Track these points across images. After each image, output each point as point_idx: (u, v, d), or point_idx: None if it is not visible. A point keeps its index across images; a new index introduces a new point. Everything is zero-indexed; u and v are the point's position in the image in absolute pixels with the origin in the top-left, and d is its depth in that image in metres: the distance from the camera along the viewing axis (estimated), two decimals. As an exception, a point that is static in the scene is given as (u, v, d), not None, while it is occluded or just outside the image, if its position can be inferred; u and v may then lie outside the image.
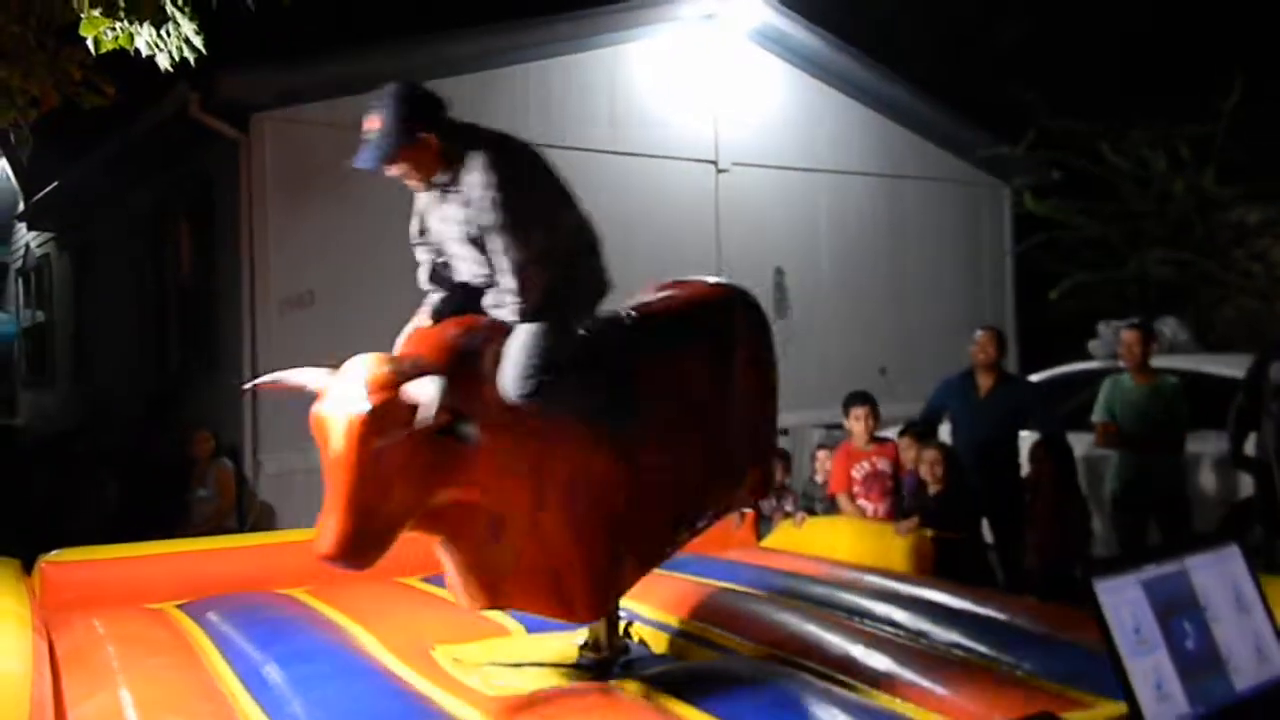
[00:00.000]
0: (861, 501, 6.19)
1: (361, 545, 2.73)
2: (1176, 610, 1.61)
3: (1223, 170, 11.36)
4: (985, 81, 13.15)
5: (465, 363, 2.98)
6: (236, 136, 7.89)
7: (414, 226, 3.39)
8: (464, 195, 3.09)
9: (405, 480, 2.77)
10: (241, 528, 7.22)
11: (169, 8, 3.84)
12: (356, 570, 2.85)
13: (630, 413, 3.24)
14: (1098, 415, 6.21)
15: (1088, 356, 8.72)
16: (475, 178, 3.07)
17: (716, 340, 3.65)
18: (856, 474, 6.16)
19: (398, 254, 8.13)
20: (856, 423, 6.23)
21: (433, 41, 8.44)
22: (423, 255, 3.38)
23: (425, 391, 2.69)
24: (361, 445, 2.71)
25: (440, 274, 3.34)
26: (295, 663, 3.43)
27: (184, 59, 4.12)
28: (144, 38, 3.91)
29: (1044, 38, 14.22)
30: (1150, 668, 1.54)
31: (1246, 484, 5.85)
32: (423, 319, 3.24)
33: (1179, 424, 5.91)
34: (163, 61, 4.05)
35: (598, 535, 3.19)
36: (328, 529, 2.72)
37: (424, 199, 3.31)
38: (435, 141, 3.11)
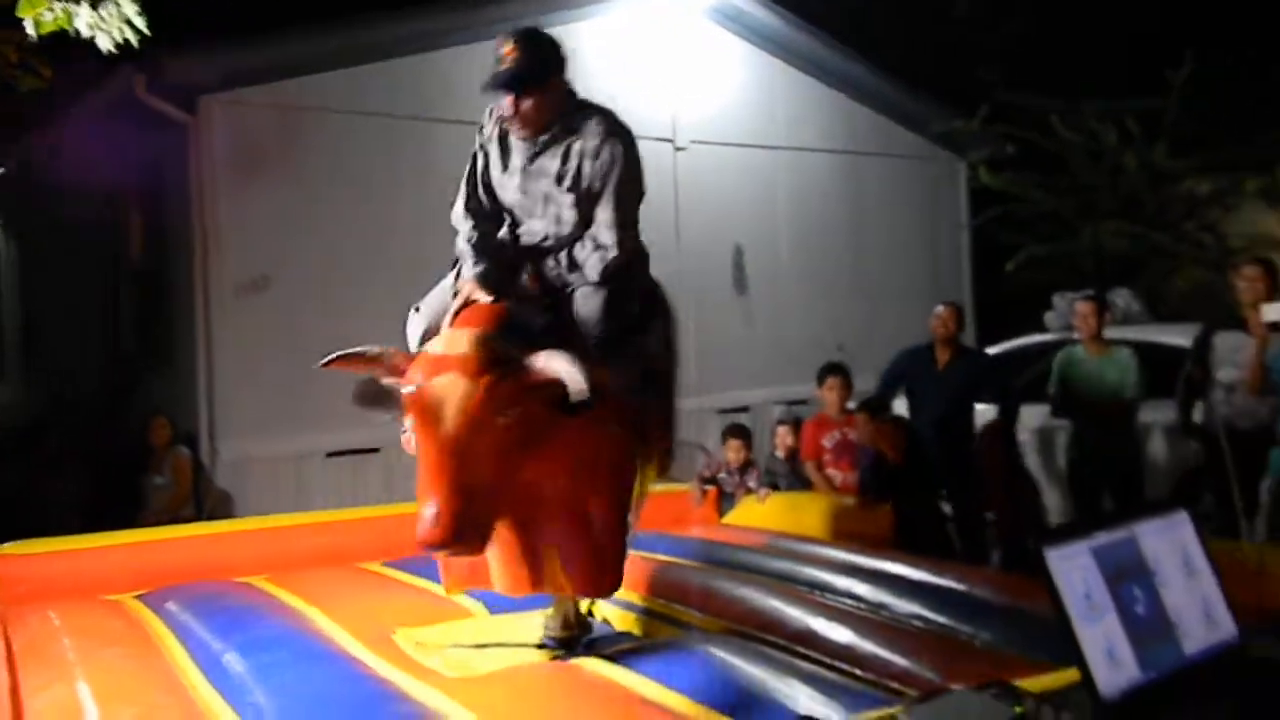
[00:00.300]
0: (830, 470, 6.28)
1: (470, 527, 2.61)
2: (1126, 576, 1.62)
3: (1173, 143, 11.50)
4: (941, 57, 13.23)
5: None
6: (185, 119, 7.74)
7: (467, 187, 3.35)
8: (580, 148, 3.12)
9: (506, 458, 2.71)
10: (199, 515, 7.15)
11: (110, -14, 3.76)
12: (468, 554, 2.82)
13: (641, 389, 3.26)
14: (1053, 386, 6.29)
15: (1044, 328, 8.82)
16: (602, 133, 3.13)
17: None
18: (827, 443, 6.28)
19: (352, 235, 8.18)
20: (830, 392, 6.35)
21: (385, 20, 8.34)
22: (467, 222, 3.31)
23: (565, 366, 2.65)
24: (478, 423, 2.63)
25: (484, 243, 3.25)
26: (256, 651, 3.40)
27: (126, 40, 4.03)
28: (84, 19, 3.82)
29: (998, 13, 14.29)
30: (1101, 634, 1.56)
31: (1198, 452, 5.94)
32: (477, 293, 3.08)
33: (1132, 393, 5.98)
34: (104, 43, 3.97)
35: (625, 508, 3.26)
36: (434, 514, 2.55)
37: (491, 153, 3.27)
38: (559, 90, 3.14)
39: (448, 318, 3.05)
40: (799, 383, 8.99)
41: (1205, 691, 1.68)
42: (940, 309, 6.28)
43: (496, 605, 3.94)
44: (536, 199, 3.22)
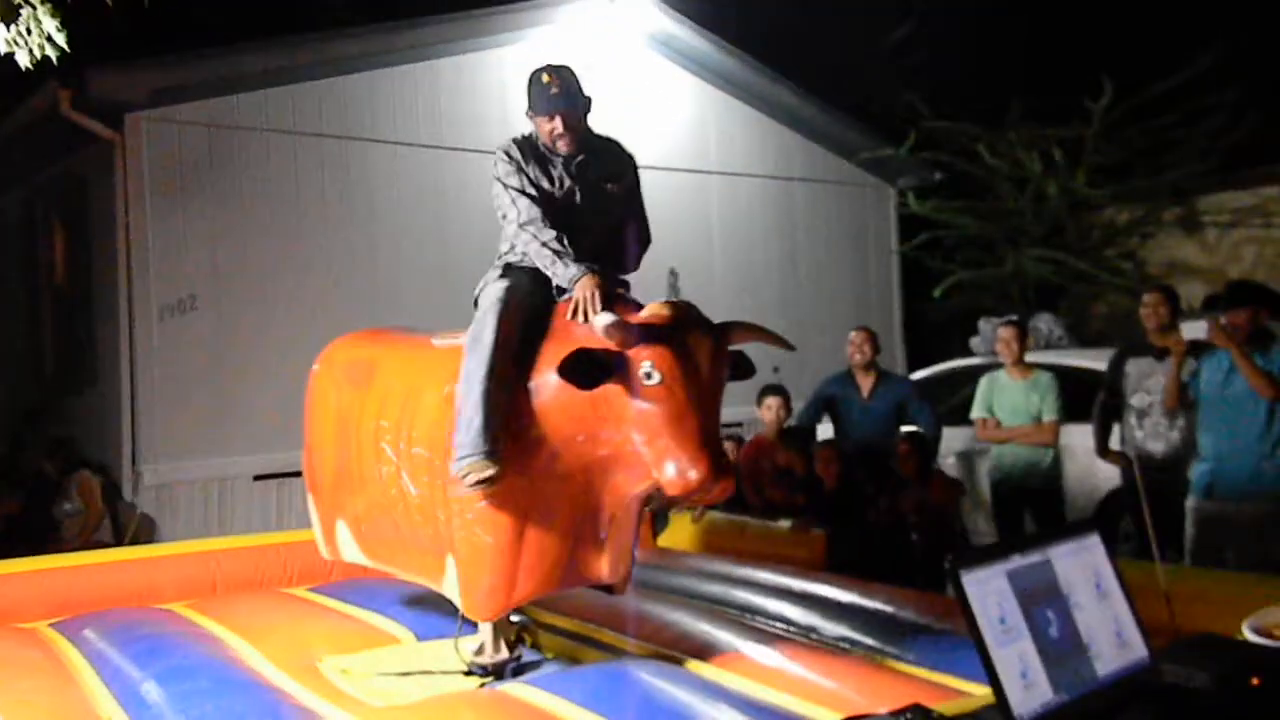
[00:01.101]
0: (769, 492, 6.29)
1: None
2: (1040, 599, 1.66)
3: (1094, 172, 11.82)
4: (870, 85, 13.46)
5: None
6: (111, 136, 7.61)
7: (526, 198, 3.51)
8: (613, 162, 3.69)
9: None
10: (119, 540, 6.97)
11: (30, 1, 3.68)
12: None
13: None
14: (976, 410, 6.40)
15: (970, 353, 9.00)
16: (625, 152, 3.78)
17: None
18: (765, 465, 6.27)
19: (281, 256, 8.08)
20: (768, 413, 6.34)
21: (315, 41, 8.29)
22: (547, 230, 3.41)
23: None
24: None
25: (565, 244, 3.39)
26: (175, 680, 3.32)
27: (45, 57, 3.95)
28: (1, 34, 3.74)
29: (926, 41, 14.61)
30: (1015, 656, 1.59)
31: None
32: (595, 288, 3.18)
33: (1052, 416, 6.11)
34: (22, 59, 3.88)
35: None
36: (720, 456, 2.99)
37: (530, 170, 3.55)
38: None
39: (589, 311, 3.15)
40: (735, 404, 9.04)
41: (1117, 713, 1.72)
42: (853, 334, 6.28)
43: (424, 632, 3.91)
44: (589, 204, 3.57)
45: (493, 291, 3.36)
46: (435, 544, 3.44)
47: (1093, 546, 1.78)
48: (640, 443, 3.05)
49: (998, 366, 6.60)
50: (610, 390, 3.04)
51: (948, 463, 7.16)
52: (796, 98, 11.40)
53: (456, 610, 3.68)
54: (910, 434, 5.91)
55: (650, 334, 3.02)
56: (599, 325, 3.00)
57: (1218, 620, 3.12)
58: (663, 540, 5.98)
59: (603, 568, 3.38)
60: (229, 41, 7.99)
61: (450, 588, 3.45)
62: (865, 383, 6.22)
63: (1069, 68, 12.34)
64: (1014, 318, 7.14)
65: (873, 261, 12.58)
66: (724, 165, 11.06)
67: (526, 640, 3.86)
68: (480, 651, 3.55)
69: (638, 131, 10.50)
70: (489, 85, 9.31)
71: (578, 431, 3.17)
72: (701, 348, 3.09)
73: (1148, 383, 5.49)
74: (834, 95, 11.92)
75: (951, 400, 7.60)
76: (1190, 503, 5.01)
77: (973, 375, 7.13)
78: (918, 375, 9.11)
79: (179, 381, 7.57)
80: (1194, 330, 5.06)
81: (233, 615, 4.19)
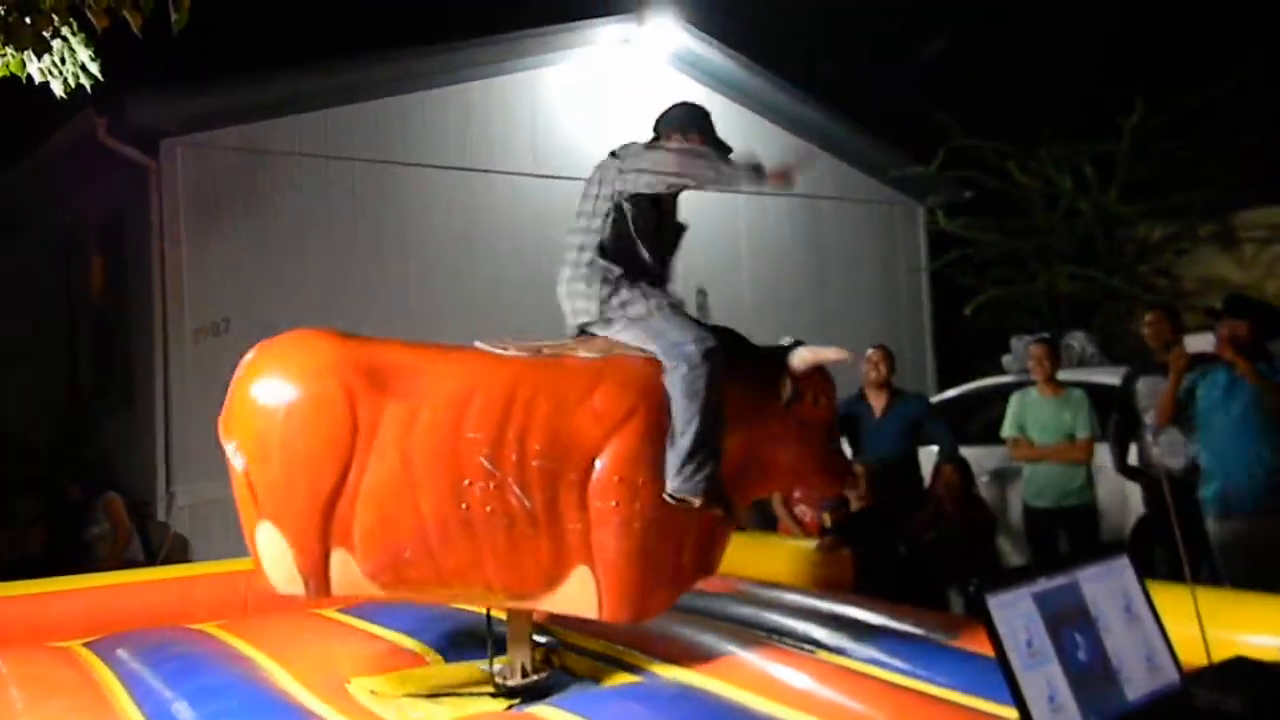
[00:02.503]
0: (800, 508, 6.26)
1: None
2: (1068, 622, 1.64)
3: (1126, 188, 11.72)
4: (899, 103, 13.44)
5: None
6: (146, 162, 7.74)
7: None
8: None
9: None
10: (151, 560, 7.03)
11: (62, 34, 3.75)
12: None
13: None
14: (1008, 429, 6.35)
15: (1002, 371, 8.92)
16: None
17: None
18: None
19: (313, 280, 8.15)
20: None
21: (348, 66, 8.39)
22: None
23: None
24: None
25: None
26: (206, 700, 3.34)
27: (80, 85, 4.02)
28: (35, 65, 3.81)
29: (956, 59, 14.57)
30: (1043, 680, 1.57)
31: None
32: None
33: (1085, 435, 6.05)
34: (57, 89, 3.95)
35: None
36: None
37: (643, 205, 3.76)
38: None
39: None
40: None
41: (1147, 737, 1.69)
42: (870, 352, 6.20)
43: (452, 653, 3.91)
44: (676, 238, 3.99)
45: (695, 346, 3.45)
46: (555, 557, 3.37)
47: (1121, 569, 1.76)
48: (796, 455, 3.70)
49: (1029, 384, 6.55)
50: (776, 409, 3.63)
51: (981, 481, 7.09)
52: (824, 116, 11.40)
53: (485, 631, 3.69)
54: (953, 459, 5.83)
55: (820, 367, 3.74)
56: (806, 357, 3.66)
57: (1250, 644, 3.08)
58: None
59: (719, 563, 3.79)
60: (262, 68, 8.10)
61: (571, 599, 3.41)
62: (878, 401, 6.16)
63: (1100, 84, 12.27)
64: (1046, 335, 7.08)
65: (902, 280, 12.53)
66: (753, 185, 11.04)
67: (555, 662, 3.86)
68: (508, 673, 3.56)
69: (666, 152, 10.58)
70: (520, 108, 9.38)
71: (739, 449, 3.55)
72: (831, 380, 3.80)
73: (1158, 400, 5.43)
74: (862, 113, 11.91)
75: (982, 419, 7.52)
76: (1209, 524, 4.95)
77: (1004, 393, 7.06)
78: (949, 394, 9.05)
79: (212, 403, 7.57)
80: (1199, 344, 5.00)
81: (263, 636, 4.20)
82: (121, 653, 4.00)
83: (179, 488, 7.61)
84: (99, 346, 9.09)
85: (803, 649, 3.88)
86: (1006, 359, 8.98)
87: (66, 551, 7.11)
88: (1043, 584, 1.63)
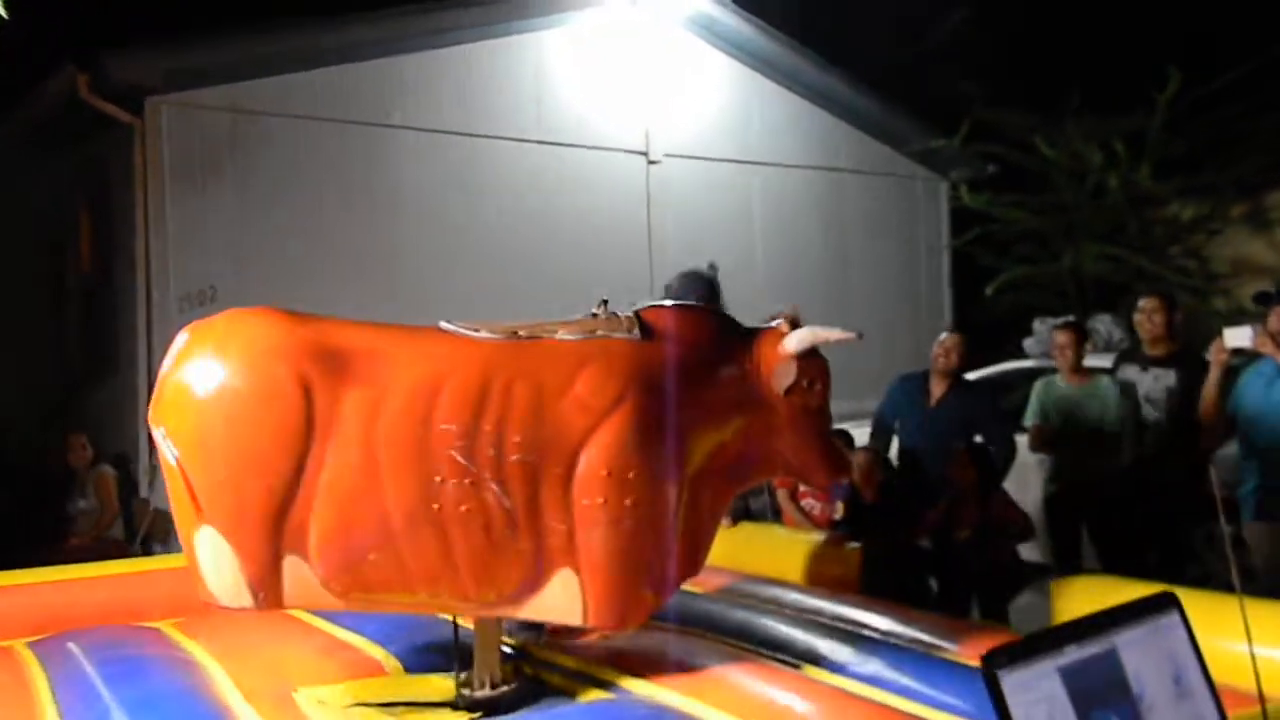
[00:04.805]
0: (807, 501, 5.91)
1: None
2: (1102, 701, 1.30)
3: (1158, 165, 11.26)
4: (922, 73, 12.98)
5: None
6: (131, 121, 7.41)
7: None
8: None
9: None
10: (131, 540, 6.76)
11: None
12: None
13: None
14: (1030, 418, 5.97)
15: (1024, 354, 8.54)
16: None
17: None
18: None
19: (304, 245, 7.83)
20: None
21: (342, 24, 8.03)
22: None
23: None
24: None
25: None
26: (140, 712, 3.04)
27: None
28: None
29: (981, 27, 14.06)
30: (1070, 777, 1.23)
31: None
32: None
33: (1114, 426, 5.66)
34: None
35: None
36: None
37: None
38: None
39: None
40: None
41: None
42: (945, 336, 5.83)
43: (415, 663, 3.60)
44: None
45: None
46: (537, 559, 3.04)
47: (1171, 629, 1.41)
48: (794, 445, 3.38)
49: (1051, 370, 6.17)
50: (772, 395, 3.32)
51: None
52: (845, 85, 10.98)
53: (452, 640, 3.38)
54: (971, 444, 5.43)
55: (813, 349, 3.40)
56: (799, 338, 3.30)
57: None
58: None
59: (702, 563, 3.47)
60: (252, 24, 7.76)
61: (553, 605, 3.09)
62: (937, 389, 5.75)
63: (1132, 56, 11.78)
64: (1071, 319, 6.70)
65: (923, 257, 12.13)
66: (767, 155, 10.67)
67: (525, 671, 3.54)
68: (471, 684, 3.24)
69: (676, 119, 10.23)
70: (522, 72, 9.01)
71: (731, 441, 3.30)
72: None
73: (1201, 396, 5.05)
74: (884, 83, 11.48)
75: (1004, 405, 7.15)
76: (1245, 528, 4.61)
77: (1027, 378, 6.71)
78: (970, 376, 8.67)
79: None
80: (1237, 338, 4.60)
81: (216, 636, 3.90)
82: (64, 653, 3.70)
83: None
84: (87, 313, 8.80)
85: (792, 664, 3.55)
86: (1028, 342, 8.61)
87: (45, 525, 6.86)
88: (1072, 653, 1.28)
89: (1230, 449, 5.51)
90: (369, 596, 3.15)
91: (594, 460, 3.00)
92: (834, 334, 3.36)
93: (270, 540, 3.00)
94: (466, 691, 3.23)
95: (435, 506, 2.95)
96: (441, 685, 3.32)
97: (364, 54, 8.09)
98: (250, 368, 2.98)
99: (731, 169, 10.41)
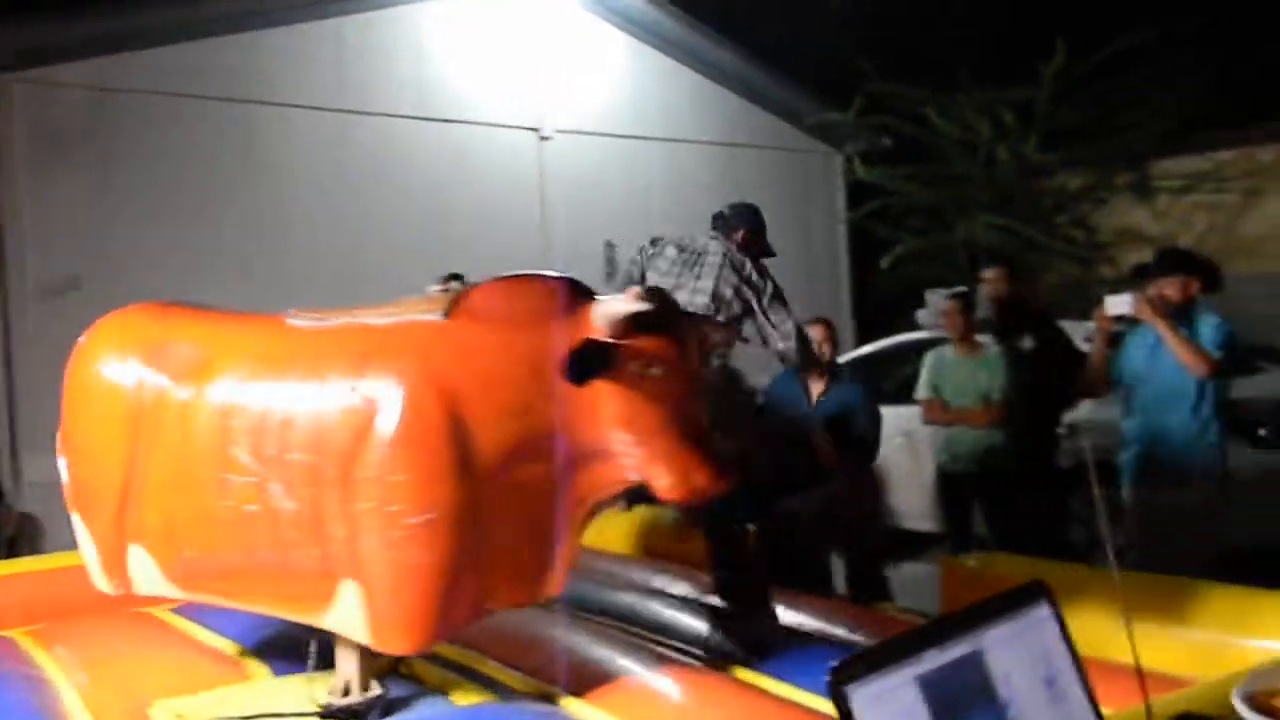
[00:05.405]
0: None
1: None
2: (966, 708, 1.19)
3: (1045, 137, 11.41)
4: (816, 47, 12.96)
5: None
6: (-17, 100, 6.95)
7: None
8: None
9: None
10: (-5, 545, 6.38)
11: None
12: None
13: None
14: (921, 390, 5.95)
15: (918, 325, 8.57)
16: None
17: None
18: None
19: (173, 230, 7.45)
20: None
21: (208, -4, 7.65)
22: None
23: None
24: None
25: None
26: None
27: None
28: None
29: (875, 2, 14.09)
30: (932, 795, 1.12)
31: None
32: None
33: (1001, 395, 5.66)
34: None
35: None
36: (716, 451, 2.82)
37: None
38: None
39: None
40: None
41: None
42: (811, 331, 5.24)
43: (284, 666, 3.40)
44: None
45: None
46: (321, 567, 2.81)
47: (1041, 622, 1.30)
48: (624, 443, 2.77)
49: (944, 341, 6.15)
50: (594, 384, 2.73)
51: (895, 443, 6.71)
52: (740, 60, 10.89)
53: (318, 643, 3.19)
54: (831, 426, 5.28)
55: (649, 324, 2.76)
56: (607, 312, 2.73)
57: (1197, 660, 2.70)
58: (585, 538, 5.49)
59: (549, 585, 2.95)
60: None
61: (343, 619, 2.85)
62: (816, 388, 5.41)
63: (1022, 28, 11.90)
64: (961, 289, 6.65)
65: (820, 230, 12.12)
66: (663, 131, 10.53)
67: (402, 670, 3.37)
68: (342, 689, 3.05)
69: (572, 95, 10.02)
70: (403, 45, 8.71)
71: (535, 435, 2.75)
72: (691, 339, 2.89)
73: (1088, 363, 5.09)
74: (779, 57, 11.41)
75: (897, 377, 7.14)
76: (1123, 491, 4.64)
77: (918, 350, 6.70)
78: (863, 350, 8.69)
79: (62, 369, 6.95)
80: (1117, 305, 4.62)
81: (75, 645, 3.67)
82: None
83: (28, 463, 6.91)
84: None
85: (691, 654, 3.44)
86: (921, 313, 8.64)
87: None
88: (932, 659, 1.17)
89: (1105, 414, 5.60)
90: (206, 593, 3.16)
91: (366, 460, 2.68)
92: (646, 304, 2.75)
93: (115, 529, 3.14)
94: (331, 699, 3.05)
95: (229, 505, 2.87)
96: (306, 692, 3.13)
97: (233, 27, 7.71)
98: (95, 364, 3.20)
99: (627, 145, 10.25)
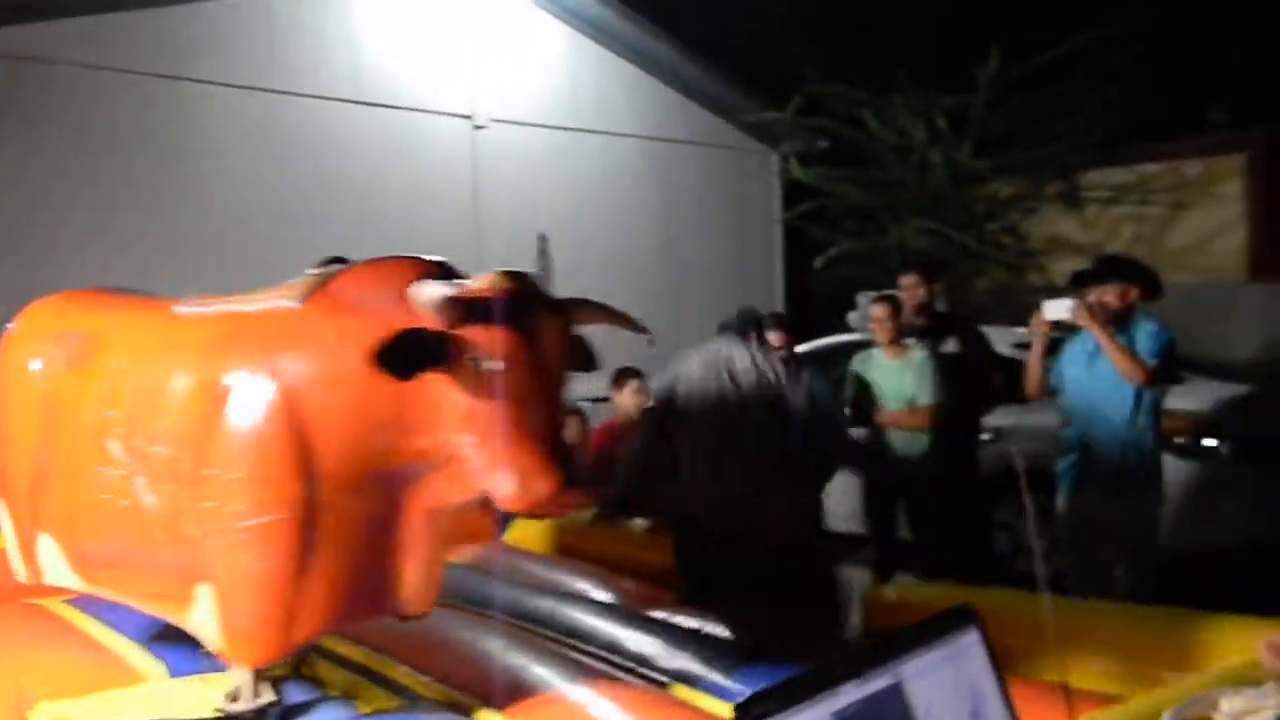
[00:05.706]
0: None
1: None
2: (886, 745, 1.11)
3: (979, 143, 11.52)
4: (755, 45, 12.94)
5: None
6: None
7: None
8: None
9: None
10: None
11: None
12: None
13: None
14: (849, 392, 5.92)
15: (849, 328, 8.58)
16: None
17: None
18: (620, 454, 5.64)
19: (96, 209, 7.15)
20: (627, 397, 5.76)
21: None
22: None
23: None
24: None
25: None
26: None
27: None
28: None
29: (815, 2, 14.12)
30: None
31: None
32: None
33: (929, 399, 5.65)
34: None
35: None
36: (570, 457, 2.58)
37: None
38: None
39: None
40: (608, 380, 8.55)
41: None
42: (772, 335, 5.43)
43: (181, 665, 3.23)
44: None
45: None
46: (181, 568, 2.70)
47: (968, 649, 1.23)
48: (468, 445, 2.51)
49: (870, 344, 6.12)
50: (428, 380, 2.46)
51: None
52: (677, 54, 10.81)
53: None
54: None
55: (487, 311, 2.45)
56: (427, 297, 2.44)
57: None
58: (511, 535, 5.36)
59: (404, 597, 2.76)
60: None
61: (202, 624, 2.74)
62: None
63: (958, 32, 11.99)
64: (889, 292, 6.64)
65: (755, 229, 12.11)
66: (599, 123, 10.42)
67: (303, 672, 3.22)
68: (236, 694, 2.90)
69: (504, 84, 9.85)
70: (333, 27, 8.50)
71: (379, 433, 2.56)
72: (548, 330, 2.56)
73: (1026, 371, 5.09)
74: (717, 53, 11.36)
75: (829, 378, 7.11)
76: (1060, 500, 4.64)
77: (848, 352, 6.68)
78: (798, 350, 8.64)
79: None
80: (1055, 310, 4.62)
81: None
82: None
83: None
84: None
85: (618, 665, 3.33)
86: (852, 316, 8.65)
87: None
88: (849, 693, 1.08)
89: (1036, 419, 5.62)
90: (101, 585, 3.07)
91: (210, 456, 2.57)
92: (482, 283, 2.48)
93: (27, 517, 3.10)
94: (229, 704, 2.90)
95: (106, 498, 2.81)
96: (202, 694, 2.97)
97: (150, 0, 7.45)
98: (14, 352, 3.22)
99: (562, 136, 10.12)
